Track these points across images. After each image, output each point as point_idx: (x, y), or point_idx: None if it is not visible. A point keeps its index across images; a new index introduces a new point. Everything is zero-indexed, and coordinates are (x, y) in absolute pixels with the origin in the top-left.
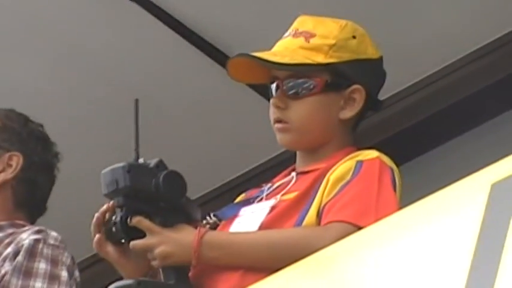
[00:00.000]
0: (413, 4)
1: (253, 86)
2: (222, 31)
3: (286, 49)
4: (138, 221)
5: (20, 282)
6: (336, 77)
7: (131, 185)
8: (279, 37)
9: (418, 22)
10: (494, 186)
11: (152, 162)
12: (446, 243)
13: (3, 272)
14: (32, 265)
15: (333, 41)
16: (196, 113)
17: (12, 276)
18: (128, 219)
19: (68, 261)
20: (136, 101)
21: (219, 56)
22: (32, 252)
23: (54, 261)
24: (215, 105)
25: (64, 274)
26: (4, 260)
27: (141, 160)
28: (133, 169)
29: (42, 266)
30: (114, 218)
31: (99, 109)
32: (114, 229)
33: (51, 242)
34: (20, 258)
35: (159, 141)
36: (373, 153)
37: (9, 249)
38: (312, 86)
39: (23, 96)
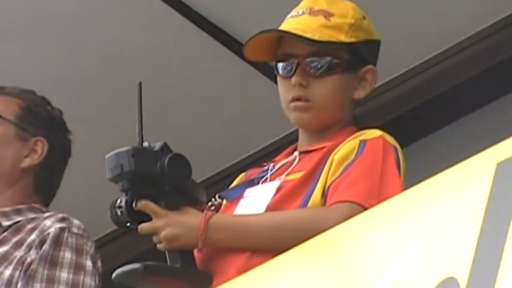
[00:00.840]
0: None
1: (259, 68)
2: (227, 12)
3: (307, 26)
4: (144, 204)
5: (46, 272)
6: (353, 56)
7: (136, 169)
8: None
9: (419, 5)
10: (500, 166)
11: (157, 145)
12: (452, 223)
13: (29, 260)
14: (57, 254)
15: (351, 21)
16: (201, 96)
17: (38, 265)
18: (134, 203)
19: (92, 250)
20: (140, 84)
21: (224, 38)
22: (57, 241)
23: (78, 251)
24: (219, 88)
25: (89, 264)
26: (29, 247)
27: (145, 144)
28: (138, 153)
29: (67, 255)
30: (119, 202)
31: (104, 93)
32: (119, 213)
33: (75, 230)
34: (46, 247)
35: (163, 125)
36: (376, 132)
37: (33, 236)
38: (335, 65)
39: (26, 79)
